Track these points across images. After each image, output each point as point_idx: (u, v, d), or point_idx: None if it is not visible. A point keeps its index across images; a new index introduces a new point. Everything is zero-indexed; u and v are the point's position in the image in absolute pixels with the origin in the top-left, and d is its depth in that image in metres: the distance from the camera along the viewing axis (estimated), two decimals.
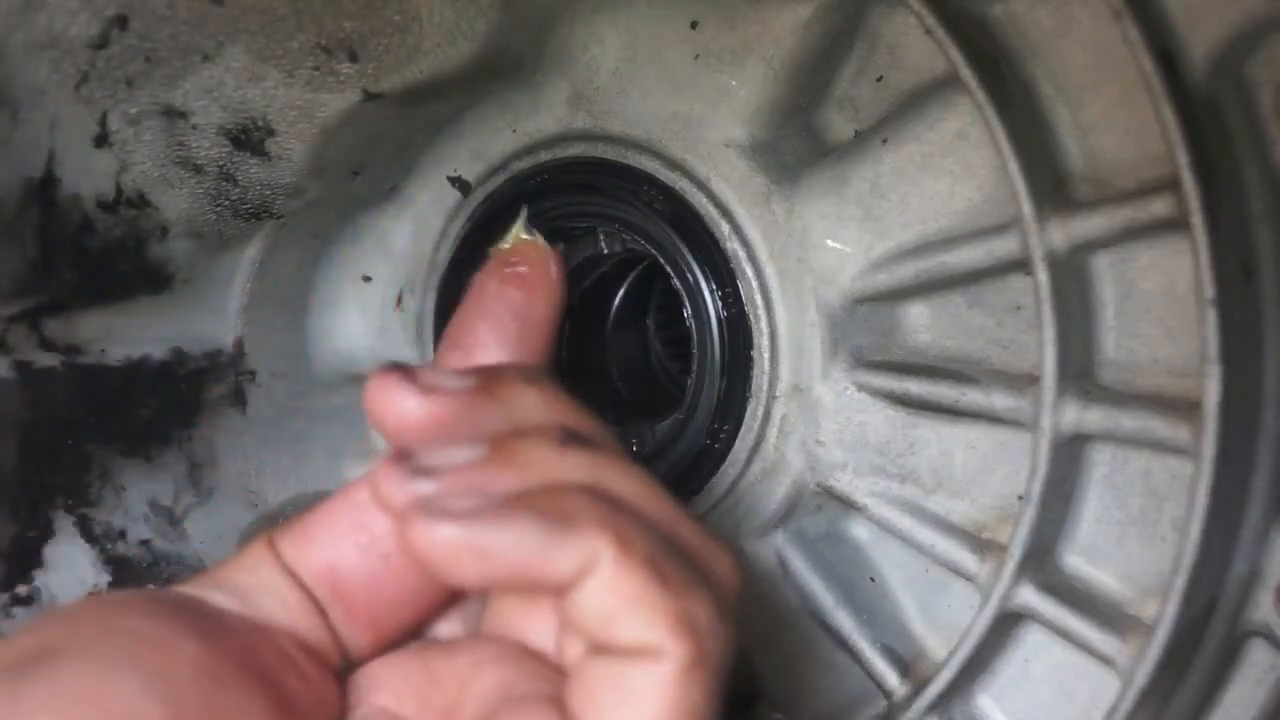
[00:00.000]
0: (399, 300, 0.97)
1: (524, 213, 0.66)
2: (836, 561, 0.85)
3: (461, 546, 0.41)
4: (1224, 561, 0.67)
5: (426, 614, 0.52)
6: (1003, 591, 0.73)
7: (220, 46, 0.72)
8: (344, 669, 0.50)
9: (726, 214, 0.81)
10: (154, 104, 0.74)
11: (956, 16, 0.69)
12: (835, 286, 0.79)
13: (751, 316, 0.81)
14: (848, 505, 0.83)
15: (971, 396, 0.75)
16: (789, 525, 0.86)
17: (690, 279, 0.82)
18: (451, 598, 0.53)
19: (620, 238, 0.86)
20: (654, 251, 0.83)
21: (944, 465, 0.79)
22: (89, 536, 0.84)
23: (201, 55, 0.73)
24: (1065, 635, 0.72)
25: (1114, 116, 0.68)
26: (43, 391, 0.80)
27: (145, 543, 0.88)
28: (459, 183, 0.92)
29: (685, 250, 0.82)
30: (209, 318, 0.91)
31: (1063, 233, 0.68)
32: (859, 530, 0.85)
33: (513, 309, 0.58)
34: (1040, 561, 0.73)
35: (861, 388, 0.80)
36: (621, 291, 1.00)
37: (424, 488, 0.44)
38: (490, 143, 0.91)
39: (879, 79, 0.78)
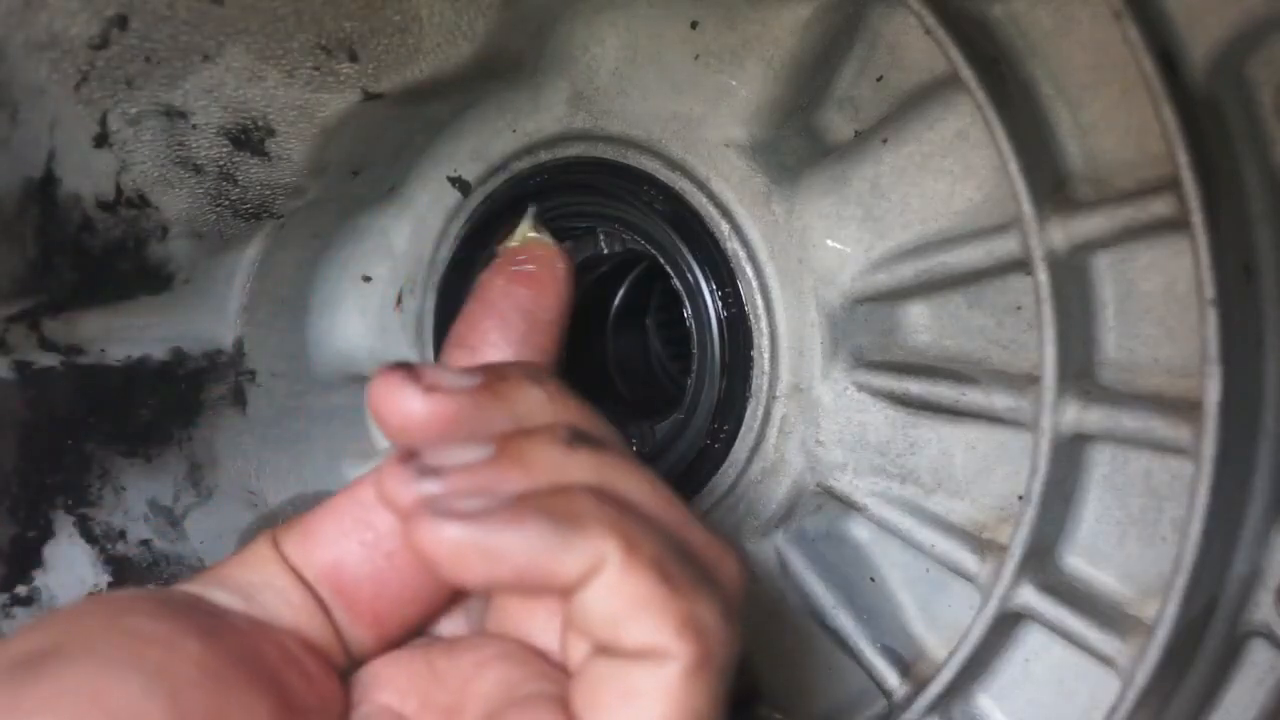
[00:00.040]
0: (399, 300, 0.97)
1: (532, 211, 0.65)
2: (836, 561, 0.85)
3: (468, 547, 0.41)
4: (1224, 561, 0.67)
5: (430, 612, 0.52)
6: (1003, 591, 0.73)
7: (220, 46, 0.72)
8: (347, 667, 0.50)
9: (726, 214, 0.81)
10: (154, 104, 0.74)
11: (956, 16, 0.69)
12: (835, 286, 0.79)
13: (751, 316, 0.81)
14: (848, 505, 0.83)
15: (971, 396, 0.75)
16: (789, 525, 0.86)
17: (690, 279, 0.82)
18: (455, 596, 0.53)
19: (620, 238, 0.86)
20: (654, 251, 0.83)
21: (944, 465, 0.79)
22: (89, 536, 0.84)
23: (201, 55, 0.72)
24: (1065, 635, 0.72)
25: (1114, 116, 0.68)
26: (43, 391, 0.80)
27: (145, 543, 0.88)
28: (459, 183, 0.92)
29: (685, 250, 0.82)
30: (209, 318, 0.91)
31: (1063, 233, 0.68)
32: (859, 530, 0.86)
33: (520, 307, 0.58)
34: (1040, 561, 0.73)
35: (861, 388, 0.80)
36: (621, 291, 1.00)
37: (430, 487, 0.43)
38: (490, 143, 0.91)
39: (879, 79, 0.78)
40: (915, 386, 0.77)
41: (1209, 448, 0.63)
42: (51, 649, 0.42)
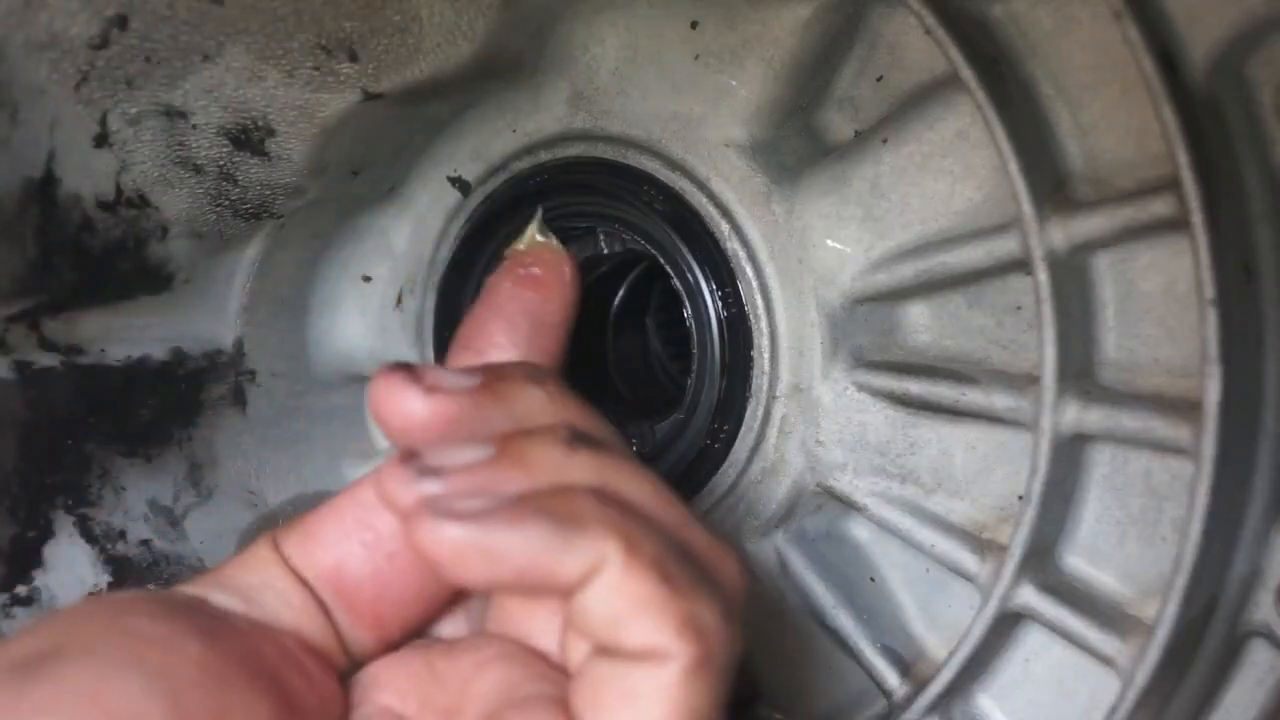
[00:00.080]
0: (399, 300, 0.97)
1: (539, 214, 0.66)
2: (836, 561, 0.85)
3: (469, 547, 0.41)
4: (1224, 561, 0.67)
5: (430, 613, 0.52)
6: (1003, 591, 0.73)
7: (220, 46, 0.72)
8: (347, 668, 0.50)
9: (726, 214, 0.81)
10: (154, 104, 0.74)
11: (956, 16, 0.69)
12: (835, 286, 0.79)
13: (751, 316, 0.81)
14: (848, 505, 0.83)
15: (971, 396, 0.75)
16: (789, 525, 0.86)
17: (690, 279, 0.82)
18: (455, 597, 0.53)
19: (620, 238, 0.86)
20: (654, 251, 0.83)
21: (944, 465, 0.79)
22: (89, 536, 0.84)
23: (201, 55, 0.72)
24: (1065, 635, 0.72)
25: (1114, 116, 0.68)
26: (43, 391, 0.80)
27: (145, 543, 0.88)
28: (459, 183, 0.92)
29: (685, 250, 0.82)
30: (209, 318, 0.91)
31: (1063, 233, 0.68)
32: (859, 530, 0.86)
33: (526, 311, 0.58)
34: (1040, 561, 0.73)
35: (861, 388, 0.80)
36: (621, 291, 1.00)
37: (431, 488, 0.43)
38: (490, 143, 0.91)
39: (879, 79, 0.78)
40: (915, 386, 0.77)
41: (1209, 448, 0.63)
42: (52, 650, 0.42)
